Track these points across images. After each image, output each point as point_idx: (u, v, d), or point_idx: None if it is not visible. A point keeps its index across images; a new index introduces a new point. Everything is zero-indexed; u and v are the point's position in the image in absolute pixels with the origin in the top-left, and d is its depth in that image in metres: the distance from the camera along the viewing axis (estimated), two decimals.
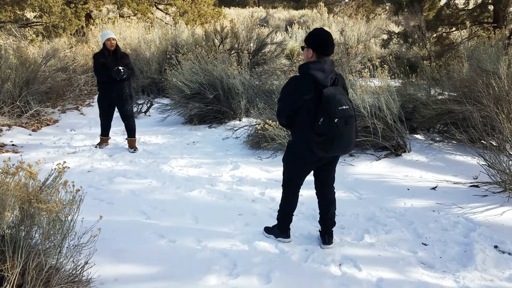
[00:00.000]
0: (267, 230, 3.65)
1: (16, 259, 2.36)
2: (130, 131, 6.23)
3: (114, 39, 5.93)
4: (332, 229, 3.47)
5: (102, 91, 6.07)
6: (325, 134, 2.96)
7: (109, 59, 5.86)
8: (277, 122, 5.52)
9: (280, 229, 3.55)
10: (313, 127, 2.99)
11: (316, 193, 3.48)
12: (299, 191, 3.47)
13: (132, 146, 6.20)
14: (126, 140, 6.32)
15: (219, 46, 9.89)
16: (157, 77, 9.76)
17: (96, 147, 6.28)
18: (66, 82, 9.37)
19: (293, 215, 3.55)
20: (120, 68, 5.81)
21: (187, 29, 11.90)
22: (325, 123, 2.94)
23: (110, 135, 6.47)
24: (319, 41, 3.04)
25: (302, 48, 3.16)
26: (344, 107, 2.96)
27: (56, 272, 2.58)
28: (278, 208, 3.56)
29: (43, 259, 2.49)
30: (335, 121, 2.92)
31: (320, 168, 3.33)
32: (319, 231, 3.51)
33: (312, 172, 3.39)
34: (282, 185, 3.48)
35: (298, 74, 3.11)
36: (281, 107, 3.17)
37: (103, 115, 6.23)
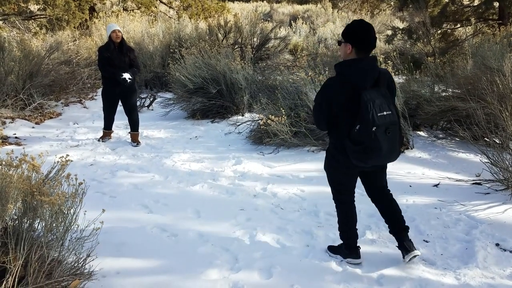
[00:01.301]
0: (332, 249, 3.24)
1: (18, 251, 2.38)
2: (133, 125, 6.23)
3: (119, 31, 5.91)
4: (408, 235, 3.04)
5: (106, 85, 6.07)
6: (361, 143, 2.64)
7: (115, 53, 5.85)
8: (280, 118, 5.52)
9: (348, 248, 3.13)
10: (349, 134, 2.69)
11: (371, 200, 3.15)
12: (353, 200, 3.11)
13: (135, 140, 6.21)
14: (129, 134, 6.33)
15: (222, 40, 9.87)
16: (160, 71, 9.75)
17: (99, 140, 6.29)
18: (70, 75, 9.38)
19: (356, 228, 3.13)
20: (126, 77, 5.80)
21: (190, 23, 11.87)
22: (361, 131, 2.62)
23: (113, 129, 6.48)
24: (359, 34, 2.70)
25: (339, 43, 2.81)
26: (385, 113, 2.61)
27: (58, 264, 2.59)
28: (338, 225, 3.19)
29: (46, 251, 2.51)
30: (373, 129, 2.58)
31: (370, 173, 3.01)
32: (396, 246, 3.09)
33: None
34: (333, 198, 3.14)
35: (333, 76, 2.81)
36: (318, 116, 2.88)
37: (107, 108, 6.23)
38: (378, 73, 2.72)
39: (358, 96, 2.61)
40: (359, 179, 3.10)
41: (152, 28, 11.57)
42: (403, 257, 3.01)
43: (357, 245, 3.14)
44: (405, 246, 2.99)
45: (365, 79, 2.66)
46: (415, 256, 2.99)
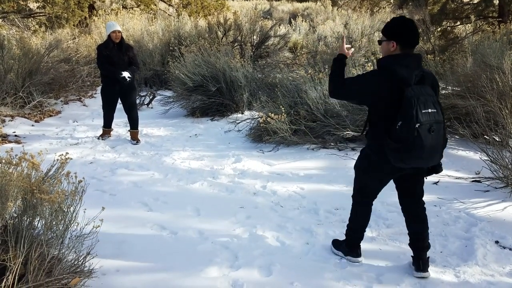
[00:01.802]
0: (336, 245, 3.22)
1: (18, 249, 2.38)
2: (133, 123, 6.23)
3: (119, 31, 5.91)
4: (427, 254, 2.94)
5: (105, 83, 6.07)
6: (402, 141, 2.51)
7: (114, 52, 5.85)
8: (279, 116, 5.52)
9: (349, 246, 3.13)
10: (389, 131, 2.58)
11: (402, 209, 3.02)
12: (371, 205, 3.07)
13: (134, 138, 6.20)
14: (129, 132, 6.32)
15: (222, 38, 9.85)
16: (159, 69, 9.74)
17: (98, 138, 6.28)
18: (69, 73, 9.36)
19: (364, 231, 3.12)
20: (126, 76, 5.80)
21: (190, 21, 11.85)
22: (403, 128, 2.49)
23: (112, 127, 6.47)
24: (404, 30, 2.62)
25: (380, 42, 2.74)
26: (429, 110, 2.49)
27: (58, 262, 2.59)
28: (348, 222, 3.17)
29: (45, 249, 2.51)
30: (416, 126, 2.45)
31: (402, 178, 2.89)
32: (411, 256, 2.99)
33: (392, 181, 2.96)
34: (352, 196, 3.09)
35: (375, 69, 2.69)
36: (342, 84, 2.75)
37: (106, 106, 6.23)
38: (422, 71, 2.64)
39: (402, 92, 2.52)
40: (393, 187, 3.00)
41: (151, 26, 11.55)
42: (414, 270, 2.94)
43: (359, 245, 3.13)
44: (420, 264, 2.90)
45: (410, 75, 2.56)
46: (423, 278, 2.89)
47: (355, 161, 3.05)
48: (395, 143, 2.54)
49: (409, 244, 2.99)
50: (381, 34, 2.76)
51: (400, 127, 2.51)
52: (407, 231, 3.00)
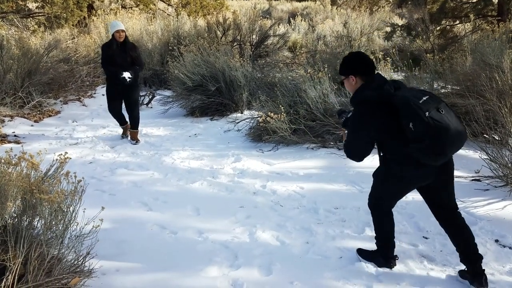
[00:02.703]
0: (365, 255, 3.11)
1: (18, 249, 2.38)
2: (134, 122, 6.20)
3: (123, 31, 5.84)
4: (482, 265, 2.76)
5: (109, 83, 6.05)
6: (424, 137, 2.46)
7: (117, 52, 5.81)
8: (279, 115, 5.52)
9: (385, 258, 3.02)
10: (406, 139, 2.55)
11: (440, 224, 2.90)
12: (392, 212, 3.01)
13: (134, 138, 6.20)
14: (128, 132, 6.31)
15: (221, 38, 9.85)
16: (159, 69, 9.73)
17: (122, 137, 6.32)
18: (68, 73, 9.35)
19: (394, 237, 3.03)
20: (126, 77, 5.77)
21: (189, 20, 11.84)
22: (417, 125, 2.46)
23: (112, 127, 6.46)
24: (357, 62, 2.77)
25: (342, 82, 2.86)
26: (424, 98, 2.50)
27: (58, 262, 2.59)
28: (375, 234, 3.10)
29: (45, 249, 2.51)
30: (427, 115, 2.42)
31: (429, 188, 2.80)
32: (464, 270, 2.83)
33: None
34: (369, 204, 3.01)
35: (357, 108, 2.74)
36: (357, 145, 2.80)
37: (110, 107, 6.18)
38: (395, 81, 2.75)
39: (392, 104, 2.58)
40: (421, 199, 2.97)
41: (150, 26, 11.54)
42: (469, 284, 2.78)
43: (393, 254, 3.03)
44: (479, 281, 2.70)
45: (388, 88, 2.64)
46: None
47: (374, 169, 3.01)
48: (418, 144, 2.49)
49: (461, 260, 2.83)
50: (342, 72, 2.84)
51: (414, 126, 2.48)
52: (455, 248, 2.86)
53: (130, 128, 6.27)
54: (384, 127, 2.67)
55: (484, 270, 2.75)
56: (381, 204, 2.96)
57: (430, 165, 2.60)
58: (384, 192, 2.93)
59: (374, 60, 5.91)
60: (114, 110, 6.23)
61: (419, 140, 2.49)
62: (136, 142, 6.15)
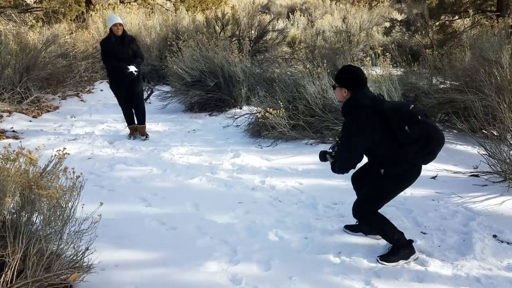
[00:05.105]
0: (386, 258, 3.06)
1: (17, 245, 2.38)
2: (140, 117, 6.13)
3: (121, 24, 5.76)
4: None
5: (112, 79, 5.98)
6: (421, 136, 2.73)
7: (117, 46, 5.73)
8: (278, 111, 5.51)
9: (404, 247, 3.06)
10: (401, 144, 2.79)
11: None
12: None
13: (143, 133, 6.13)
14: (128, 128, 6.25)
15: (220, 33, 9.83)
16: (157, 64, 9.71)
17: (129, 138, 6.20)
18: (67, 68, 9.32)
19: (393, 225, 3.11)
20: (133, 70, 5.72)
21: (188, 15, 11.81)
22: (412, 129, 2.72)
23: (111, 122, 6.43)
24: (353, 78, 2.91)
25: (334, 87, 3.03)
26: (412, 105, 2.77)
27: (57, 258, 2.59)
28: (381, 237, 3.16)
29: (44, 245, 2.51)
30: (419, 118, 2.70)
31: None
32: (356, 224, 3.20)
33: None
34: (357, 213, 3.10)
35: (352, 115, 2.88)
36: (351, 155, 2.92)
37: (121, 103, 6.10)
38: (379, 95, 2.95)
39: (381, 113, 2.80)
40: None
41: (149, 21, 11.50)
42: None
43: (408, 240, 3.09)
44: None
45: (379, 98, 2.88)
46: None
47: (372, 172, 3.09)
48: (415, 146, 2.75)
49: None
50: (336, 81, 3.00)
51: (409, 129, 2.72)
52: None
53: (137, 124, 6.19)
54: (379, 130, 2.84)
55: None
56: (370, 210, 3.05)
57: (419, 165, 2.91)
58: (379, 197, 3.05)
59: (373, 57, 5.95)
60: (127, 108, 6.11)
61: (412, 143, 2.75)
62: (146, 137, 6.09)
